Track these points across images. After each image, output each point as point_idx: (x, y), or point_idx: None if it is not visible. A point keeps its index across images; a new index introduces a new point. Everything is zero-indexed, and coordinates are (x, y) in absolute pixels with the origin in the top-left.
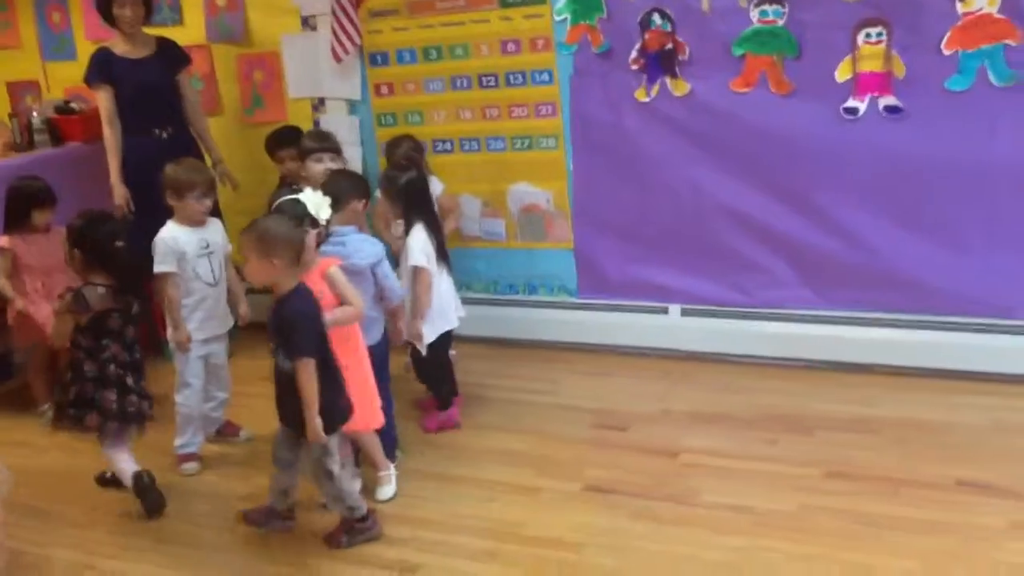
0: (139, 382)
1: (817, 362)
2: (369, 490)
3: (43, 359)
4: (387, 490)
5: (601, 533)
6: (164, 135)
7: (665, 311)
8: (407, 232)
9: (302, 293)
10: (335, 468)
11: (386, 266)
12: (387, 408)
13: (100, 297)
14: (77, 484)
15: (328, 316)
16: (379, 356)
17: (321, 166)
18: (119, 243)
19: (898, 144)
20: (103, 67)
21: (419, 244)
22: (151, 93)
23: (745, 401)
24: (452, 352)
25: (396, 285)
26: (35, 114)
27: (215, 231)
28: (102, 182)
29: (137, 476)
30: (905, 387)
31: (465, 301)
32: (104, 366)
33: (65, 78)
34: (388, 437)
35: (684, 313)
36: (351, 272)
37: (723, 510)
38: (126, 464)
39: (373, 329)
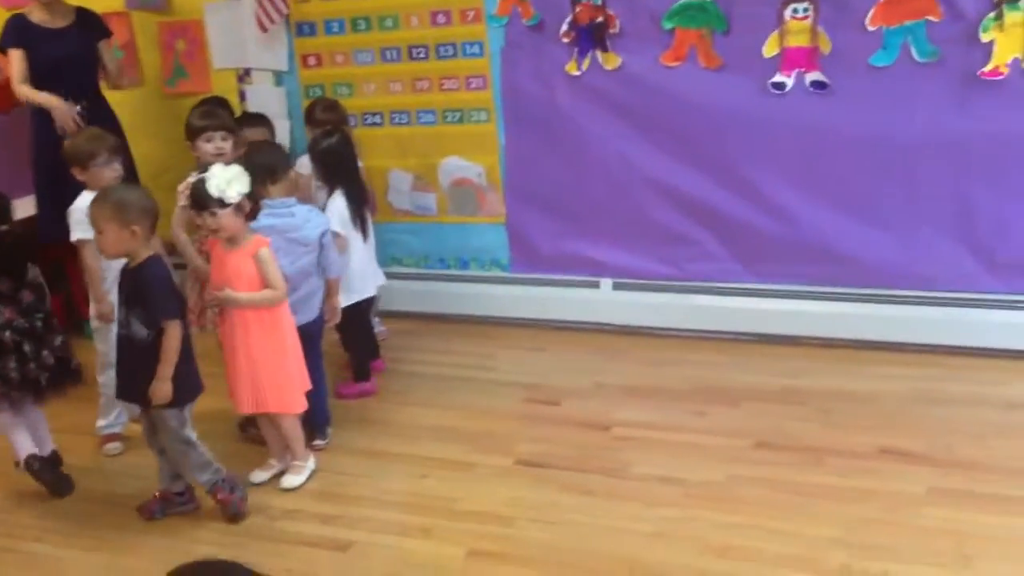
0: (39, 351)
1: (745, 334)
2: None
3: None
4: (295, 479)
5: (534, 507)
6: (79, 108)
7: (597, 285)
8: (328, 197)
9: (158, 259)
10: (193, 436)
11: (330, 236)
12: (318, 384)
13: None
14: None
15: (246, 296)
16: (315, 332)
17: (211, 145)
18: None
19: (824, 119)
20: (19, 32)
21: (337, 210)
22: (68, 64)
23: (676, 374)
24: (382, 327)
25: (337, 257)
26: None
27: None
28: (16, 152)
29: (28, 460)
30: (831, 358)
31: (396, 276)
32: None
33: None
34: (321, 414)
35: (616, 287)
36: (300, 243)
37: (654, 482)
38: (21, 442)
39: (312, 302)
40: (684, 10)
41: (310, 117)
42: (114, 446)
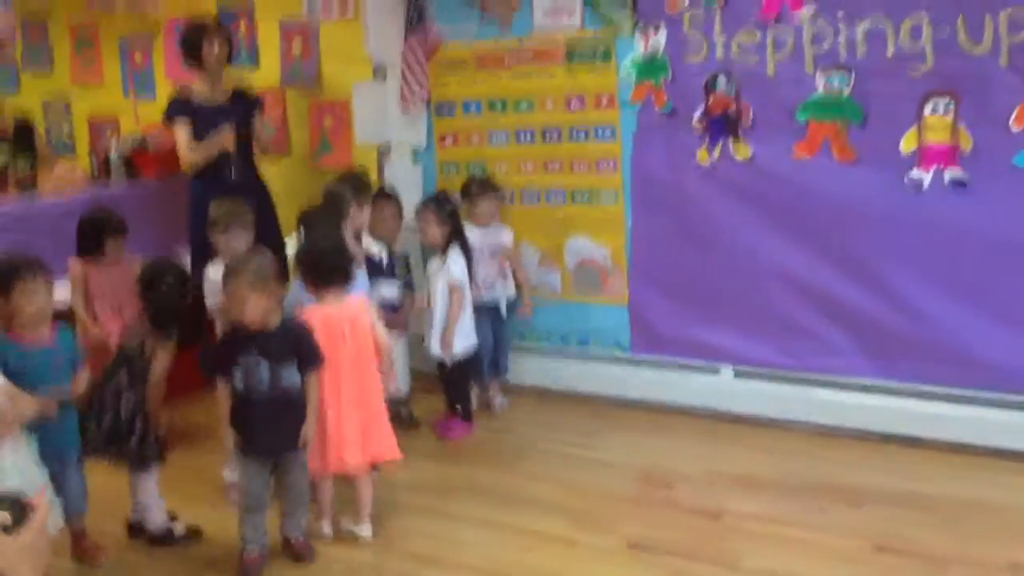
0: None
1: (869, 433)
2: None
3: None
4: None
5: None
6: (233, 178)
7: (717, 371)
8: (444, 252)
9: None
10: None
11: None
12: None
13: (136, 335)
14: (125, 505)
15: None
16: None
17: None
18: (168, 280)
19: (962, 218)
20: (183, 106)
21: (458, 264)
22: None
23: (794, 467)
24: (502, 398)
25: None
26: (113, 150)
27: None
28: (173, 217)
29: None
30: (959, 464)
31: (518, 351)
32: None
33: (143, 116)
34: None
35: (736, 375)
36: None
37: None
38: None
39: None
40: (820, 103)
41: (467, 190)
42: None
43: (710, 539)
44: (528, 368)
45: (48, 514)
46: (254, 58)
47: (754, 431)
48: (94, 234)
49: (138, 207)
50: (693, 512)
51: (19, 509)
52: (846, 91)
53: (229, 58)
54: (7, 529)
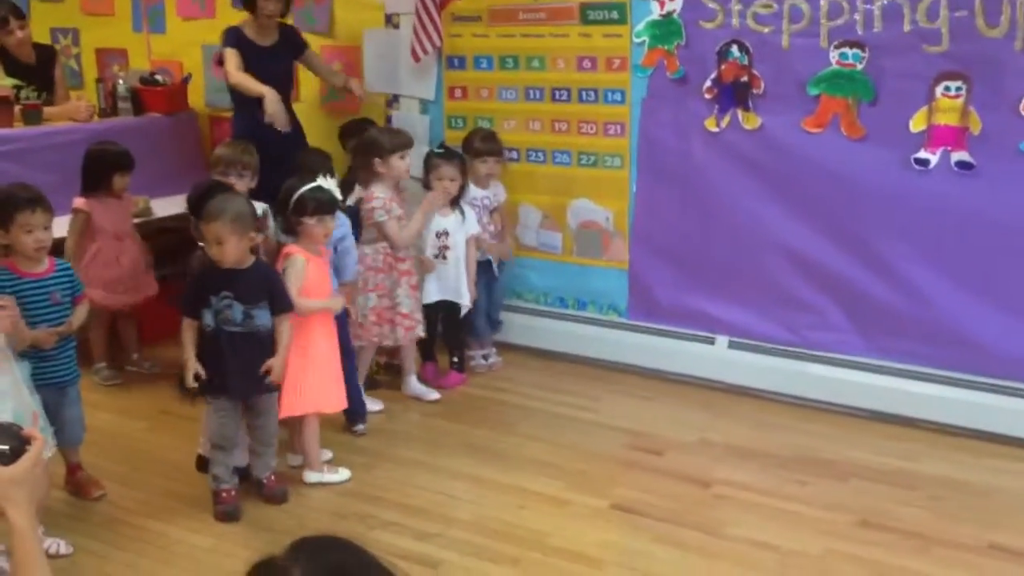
0: None
1: (860, 410)
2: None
3: (105, 319)
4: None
5: (624, 552)
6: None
7: (712, 341)
8: (455, 205)
9: (262, 260)
10: None
11: (350, 240)
12: (351, 377)
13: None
14: (123, 444)
15: (318, 303)
16: (343, 332)
17: (404, 163)
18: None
19: (966, 200)
20: (233, 38)
21: (473, 217)
22: (272, 81)
23: (783, 440)
24: (497, 358)
25: (354, 262)
26: (120, 82)
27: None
28: (180, 153)
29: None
30: (948, 445)
31: (515, 310)
32: None
33: (155, 50)
34: (360, 406)
35: (731, 345)
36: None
37: (748, 545)
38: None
39: None
40: (832, 77)
41: (469, 145)
42: None
43: (696, 506)
44: (525, 328)
45: (44, 445)
46: None
47: (746, 402)
48: (101, 169)
49: (144, 142)
50: (681, 479)
51: (16, 440)
52: (859, 67)
53: (285, 12)
54: (3, 459)
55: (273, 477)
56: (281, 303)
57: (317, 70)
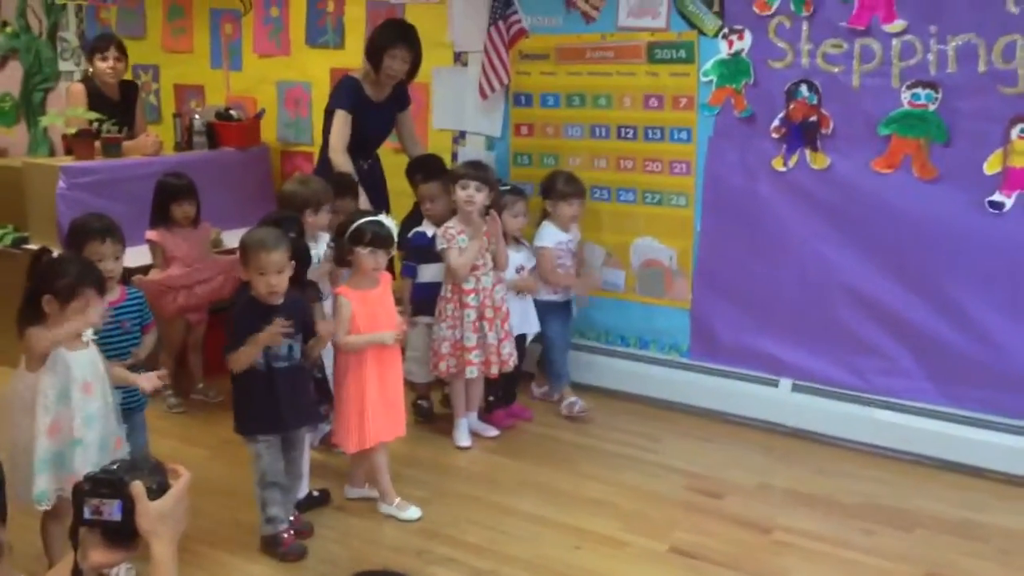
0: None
1: (927, 458)
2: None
3: (173, 348)
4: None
5: None
6: (365, 166)
7: (775, 384)
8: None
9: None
10: None
11: None
12: None
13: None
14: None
15: (365, 337)
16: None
17: (465, 193)
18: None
19: None
20: (353, 97)
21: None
22: (378, 138)
23: (847, 487)
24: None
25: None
26: (197, 117)
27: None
28: (252, 185)
29: None
30: (1016, 496)
31: (577, 348)
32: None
33: (234, 86)
34: None
35: (795, 388)
36: None
37: None
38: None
39: None
40: (904, 118)
41: (551, 188)
42: None
43: (756, 552)
44: (586, 366)
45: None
46: (340, 38)
47: (809, 447)
48: (162, 200)
49: (217, 175)
50: (741, 524)
51: (161, 475)
52: (932, 107)
53: (410, 78)
54: (150, 494)
55: (299, 515)
56: (310, 332)
57: (403, 130)
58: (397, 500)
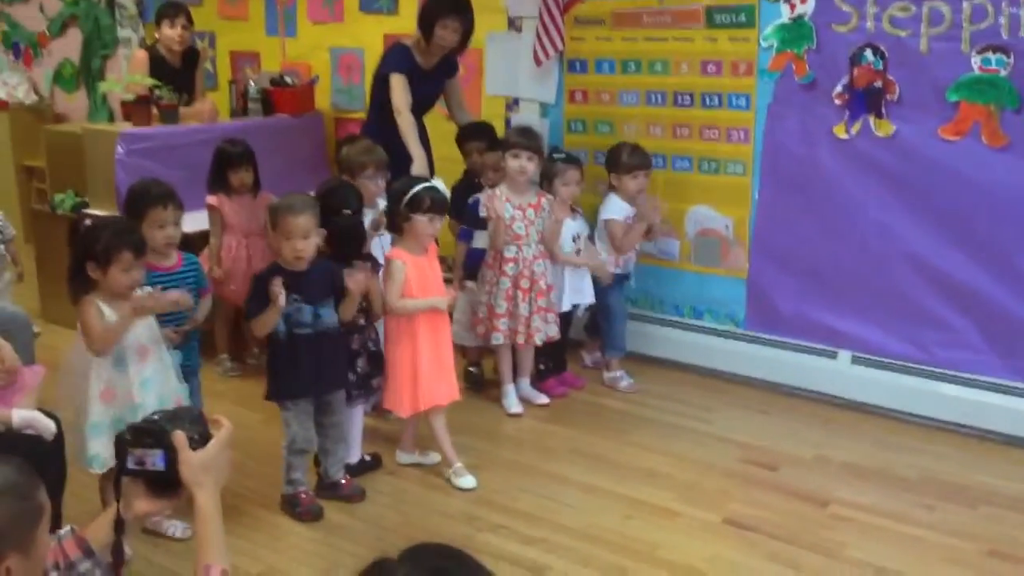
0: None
1: (991, 433)
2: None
3: (229, 313)
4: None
5: (735, 569)
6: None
7: (834, 356)
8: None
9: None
10: None
11: None
12: None
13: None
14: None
15: (420, 302)
16: None
17: (517, 162)
18: (346, 211)
19: None
20: (405, 62)
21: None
22: (424, 102)
23: (907, 461)
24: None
25: None
26: (252, 84)
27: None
28: (306, 152)
29: None
30: None
31: (630, 318)
32: None
33: (289, 53)
34: None
35: (854, 361)
36: None
37: (868, 570)
38: None
39: None
40: (973, 83)
41: (616, 160)
42: None
43: (811, 525)
44: (639, 336)
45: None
46: (394, 4)
47: (868, 420)
48: (219, 166)
49: (272, 141)
50: (797, 496)
51: (202, 426)
52: (1003, 73)
53: (461, 50)
54: (192, 444)
55: (348, 477)
56: (341, 297)
57: (451, 97)
58: (456, 465)
